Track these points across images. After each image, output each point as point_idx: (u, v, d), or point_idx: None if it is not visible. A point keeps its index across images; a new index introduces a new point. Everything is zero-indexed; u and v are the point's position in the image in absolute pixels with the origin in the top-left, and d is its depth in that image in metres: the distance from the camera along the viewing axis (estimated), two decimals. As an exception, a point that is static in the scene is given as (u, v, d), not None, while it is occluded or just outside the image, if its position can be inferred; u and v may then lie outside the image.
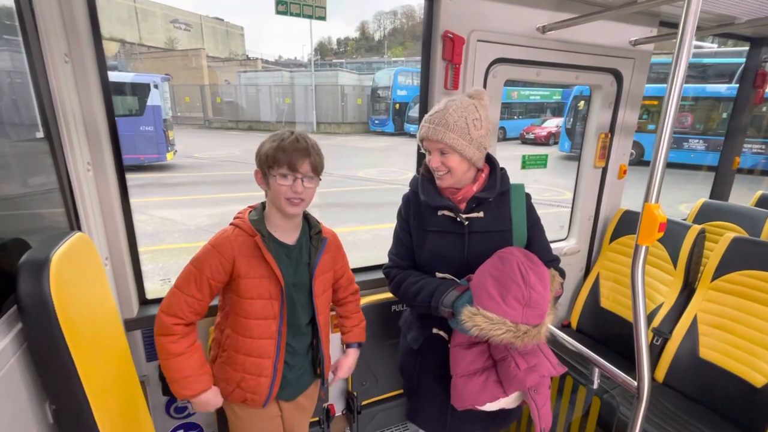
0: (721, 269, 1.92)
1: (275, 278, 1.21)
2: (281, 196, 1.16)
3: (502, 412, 1.43)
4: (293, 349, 1.31)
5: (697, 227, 2.06)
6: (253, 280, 1.20)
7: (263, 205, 1.28)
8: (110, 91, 1.42)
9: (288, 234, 1.27)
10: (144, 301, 1.69)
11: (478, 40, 1.82)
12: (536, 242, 1.41)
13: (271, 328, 1.24)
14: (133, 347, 1.60)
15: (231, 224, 1.25)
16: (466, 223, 1.34)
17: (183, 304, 1.17)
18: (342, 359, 1.48)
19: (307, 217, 1.34)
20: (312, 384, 1.43)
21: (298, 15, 1.57)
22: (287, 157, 1.13)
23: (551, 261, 1.42)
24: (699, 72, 12.34)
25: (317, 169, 1.20)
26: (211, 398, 1.24)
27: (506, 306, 1.16)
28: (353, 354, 1.50)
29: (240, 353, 1.25)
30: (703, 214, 2.62)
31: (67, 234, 1.00)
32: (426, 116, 1.31)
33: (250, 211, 1.27)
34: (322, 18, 1.65)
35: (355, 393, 2.02)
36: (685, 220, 2.58)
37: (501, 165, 1.42)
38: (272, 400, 1.31)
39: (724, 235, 1.97)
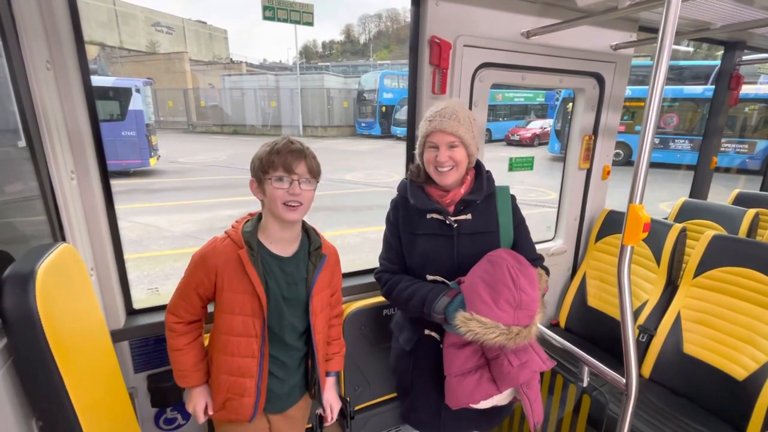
0: (702, 266, 1.98)
1: (257, 295, 1.16)
2: (278, 201, 1.12)
3: (494, 410, 1.46)
4: (282, 362, 1.28)
5: (678, 226, 2.12)
6: (235, 295, 1.17)
7: (260, 215, 1.25)
8: (94, 97, 1.39)
9: (285, 246, 1.23)
10: (131, 312, 1.66)
11: (465, 45, 1.84)
12: (522, 242, 1.46)
13: (252, 346, 1.20)
14: (121, 359, 1.56)
15: (225, 232, 1.22)
16: (455, 225, 1.37)
17: (180, 307, 1.24)
18: (328, 394, 1.40)
19: (307, 231, 1.30)
20: (303, 397, 1.40)
21: (285, 20, 1.57)
22: (282, 158, 1.10)
23: (536, 260, 1.46)
24: (676, 74, 12.73)
25: (314, 172, 1.16)
26: (196, 396, 1.27)
27: (498, 310, 1.19)
28: (333, 384, 1.45)
29: (222, 373, 1.23)
30: (684, 213, 2.70)
31: (52, 245, 0.97)
32: (430, 113, 1.34)
33: (247, 221, 1.24)
34: (310, 23, 1.65)
35: (347, 398, 2.01)
36: (666, 218, 2.65)
37: (487, 166, 1.46)
38: (259, 414, 1.28)
39: (705, 233, 2.03)
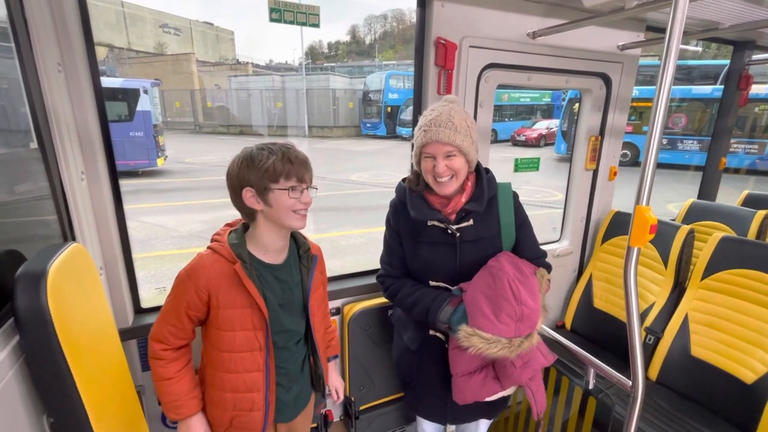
0: (711, 268, 1.96)
1: (258, 308, 1.13)
2: (289, 209, 1.10)
3: (499, 398, 1.47)
4: (286, 370, 1.26)
5: (686, 227, 2.10)
6: (233, 311, 1.13)
7: (244, 226, 1.20)
8: (103, 99, 1.41)
9: (277, 254, 1.21)
10: (139, 311, 1.67)
11: (470, 46, 1.84)
12: (524, 241, 1.44)
13: (258, 360, 1.17)
14: (129, 357, 1.58)
15: (208, 248, 1.16)
16: (458, 234, 1.35)
17: (166, 332, 1.15)
18: (333, 378, 1.48)
19: (293, 235, 1.28)
20: (310, 400, 1.41)
21: (291, 22, 1.58)
22: (296, 168, 1.09)
23: (539, 258, 1.45)
24: (684, 74, 12.61)
25: (312, 179, 1.17)
26: (195, 425, 1.20)
27: (500, 324, 1.20)
28: (335, 367, 1.51)
29: (227, 391, 1.18)
30: (692, 214, 2.67)
31: (63, 245, 0.99)
32: (424, 122, 1.28)
33: (230, 233, 1.18)
34: (316, 25, 1.66)
35: (352, 398, 2.02)
36: (674, 220, 2.62)
37: (493, 167, 1.45)
38: (269, 426, 1.25)
39: (713, 235, 2.01)
